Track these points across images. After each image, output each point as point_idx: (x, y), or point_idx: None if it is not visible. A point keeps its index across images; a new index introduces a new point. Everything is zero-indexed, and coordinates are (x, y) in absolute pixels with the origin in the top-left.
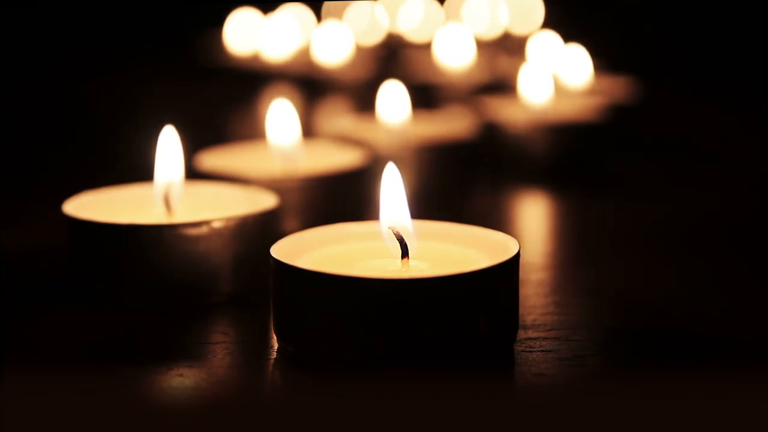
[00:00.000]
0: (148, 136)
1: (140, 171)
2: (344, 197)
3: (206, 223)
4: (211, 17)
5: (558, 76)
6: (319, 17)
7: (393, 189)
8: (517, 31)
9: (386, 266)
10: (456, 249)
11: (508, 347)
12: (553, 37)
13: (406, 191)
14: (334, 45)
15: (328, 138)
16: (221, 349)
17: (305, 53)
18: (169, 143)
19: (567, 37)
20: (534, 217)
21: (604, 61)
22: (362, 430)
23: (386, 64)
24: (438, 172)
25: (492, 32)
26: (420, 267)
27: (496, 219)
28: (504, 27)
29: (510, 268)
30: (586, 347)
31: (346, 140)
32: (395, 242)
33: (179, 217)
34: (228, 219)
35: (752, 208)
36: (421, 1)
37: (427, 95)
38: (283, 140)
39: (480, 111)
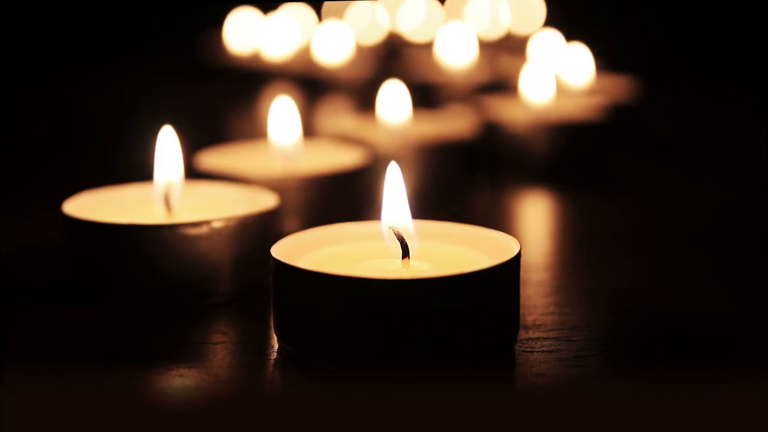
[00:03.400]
0: (147, 136)
1: (140, 171)
2: (344, 197)
3: (206, 223)
4: (211, 17)
5: (559, 75)
6: (319, 17)
7: (395, 188)
8: (519, 30)
9: (386, 266)
10: (456, 249)
11: (508, 347)
12: (554, 36)
13: (407, 191)
14: (335, 45)
15: (328, 138)
16: (221, 349)
17: (305, 53)
18: (168, 143)
19: (568, 37)
20: (535, 217)
21: (605, 61)
22: (362, 430)
23: (387, 63)
24: (438, 172)
25: (493, 32)
26: (420, 267)
27: (497, 219)
28: (505, 26)
29: (511, 268)
30: (586, 347)
31: (346, 140)
32: (395, 242)
33: (179, 217)
34: (228, 219)
35: (753, 207)
36: (421, 0)
37: (427, 95)
38: (284, 140)
39: (481, 110)
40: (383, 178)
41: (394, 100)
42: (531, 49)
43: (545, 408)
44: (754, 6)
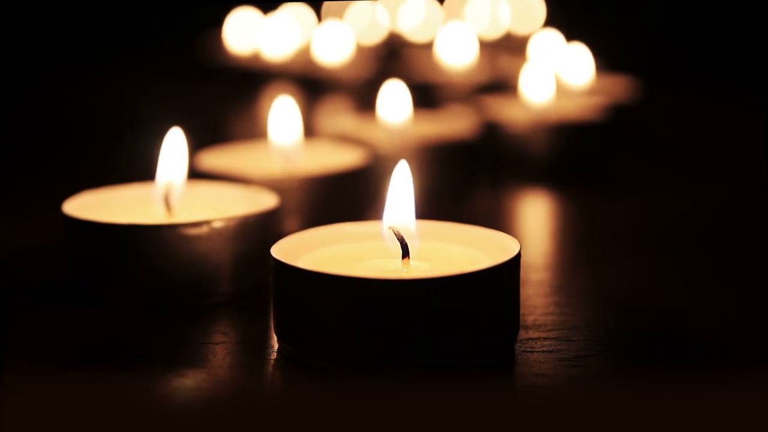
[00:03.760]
0: (147, 135)
1: (140, 171)
2: (344, 197)
3: (206, 223)
4: (211, 17)
5: (559, 75)
6: (319, 17)
7: (401, 188)
8: (519, 30)
9: (386, 266)
10: (456, 249)
11: (508, 347)
12: (554, 36)
13: (414, 191)
14: (335, 45)
15: (328, 138)
16: (221, 349)
17: (305, 53)
18: (174, 145)
19: (568, 37)
20: (535, 217)
21: (605, 61)
22: (362, 430)
23: (387, 63)
24: (438, 171)
25: (493, 32)
26: (420, 267)
27: (497, 219)
28: (505, 26)
29: (511, 268)
30: (586, 347)
31: (346, 140)
32: (396, 242)
33: (179, 217)
34: (228, 219)
35: (753, 207)
36: (421, 0)
37: (427, 95)
38: (284, 140)
39: (481, 110)
40: (383, 178)
41: (394, 100)
42: (531, 49)
43: (545, 408)
44: (754, 6)
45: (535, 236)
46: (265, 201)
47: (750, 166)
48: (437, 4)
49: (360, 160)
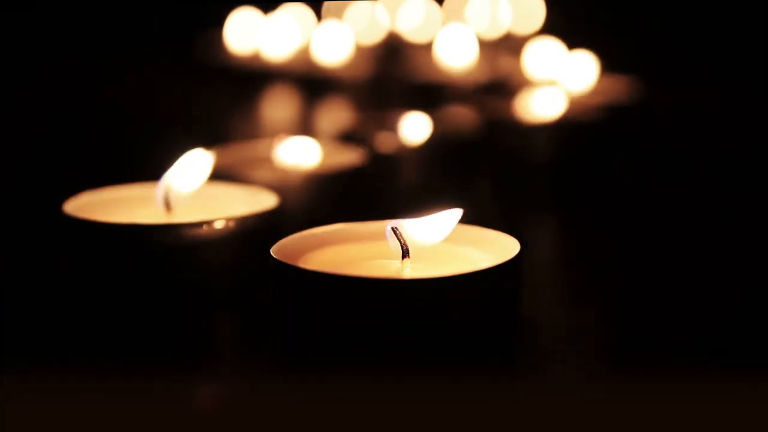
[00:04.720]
0: (147, 135)
1: (141, 171)
2: (345, 197)
3: (206, 223)
4: (211, 17)
5: (559, 76)
6: (319, 17)
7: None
8: (519, 31)
9: (386, 266)
10: (456, 249)
11: (508, 347)
12: (555, 37)
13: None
14: (335, 45)
15: (328, 138)
16: (221, 350)
17: (305, 53)
18: (193, 159)
19: (569, 38)
20: (535, 217)
21: (605, 62)
22: (362, 430)
23: (387, 63)
24: (438, 172)
25: (493, 32)
26: (420, 267)
27: (497, 219)
28: (505, 27)
29: (511, 268)
30: (587, 347)
31: (346, 140)
32: (396, 242)
33: (179, 217)
34: (228, 219)
35: (753, 207)
36: (421, 0)
37: (428, 95)
38: (283, 141)
39: (481, 110)
40: (383, 177)
41: (414, 128)
42: (531, 49)
43: (546, 408)
44: (754, 6)
45: (535, 236)
46: (265, 201)
47: (750, 165)
48: (437, 4)
49: (360, 160)
